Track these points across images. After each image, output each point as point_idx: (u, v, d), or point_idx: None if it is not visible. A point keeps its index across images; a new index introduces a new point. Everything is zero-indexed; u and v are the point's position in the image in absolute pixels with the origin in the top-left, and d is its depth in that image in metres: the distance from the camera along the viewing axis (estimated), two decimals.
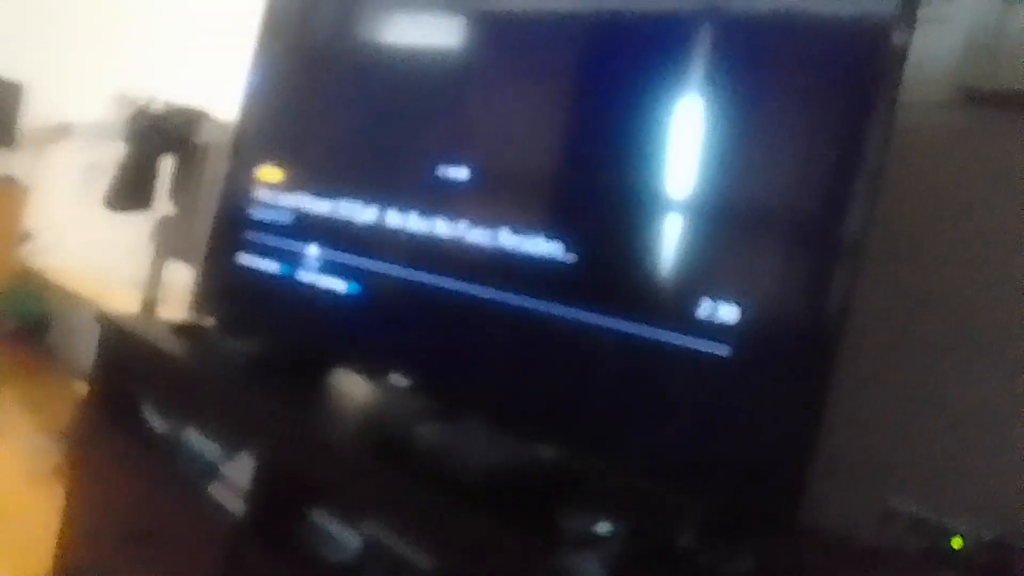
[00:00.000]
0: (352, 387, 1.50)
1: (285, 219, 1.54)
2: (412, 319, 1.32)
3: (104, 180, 3.02)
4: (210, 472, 1.42)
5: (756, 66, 1.03)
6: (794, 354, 0.94)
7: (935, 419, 1.09)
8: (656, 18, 1.15)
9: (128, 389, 1.69)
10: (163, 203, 2.87)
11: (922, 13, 0.93)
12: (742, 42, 1.05)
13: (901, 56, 0.93)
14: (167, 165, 2.84)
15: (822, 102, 0.98)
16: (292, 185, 1.55)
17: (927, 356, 1.10)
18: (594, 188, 1.14)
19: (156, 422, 1.61)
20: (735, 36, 1.06)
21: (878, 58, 0.93)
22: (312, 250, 1.48)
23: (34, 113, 4.01)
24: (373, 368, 1.41)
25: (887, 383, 1.13)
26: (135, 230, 3.26)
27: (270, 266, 1.55)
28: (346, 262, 1.42)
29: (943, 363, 1.09)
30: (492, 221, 1.22)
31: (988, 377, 1.05)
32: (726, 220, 1.01)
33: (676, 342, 1.01)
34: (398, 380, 1.32)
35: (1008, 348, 1.04)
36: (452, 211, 1.27)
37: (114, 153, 3.03)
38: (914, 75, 0.99)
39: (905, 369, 1.12)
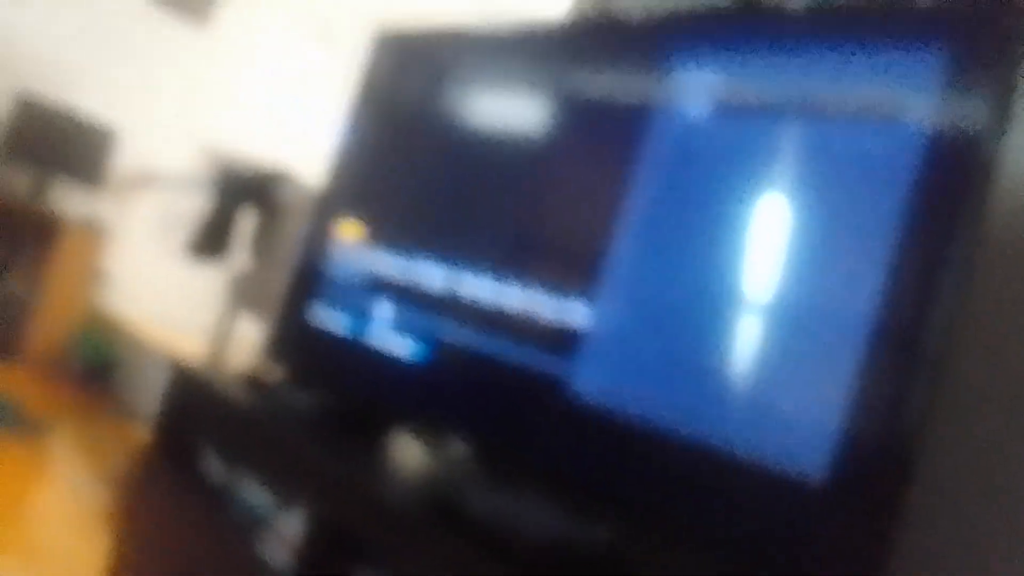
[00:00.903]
0: (411, 450, 1.50)
1: (361, 278, 1.56)
2: (477, 386, 1.31)
3: (184, 231, 3.12)
4: (262, 524, 1.42)
5: (841, 170, 1.02)
6: (877, 473, 0.91)
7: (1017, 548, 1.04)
8: (741, 114, 1.15)
9: (189, 436, 1.70)
10: (240, 257, 2.95)
11: (1016, 121, 0.92)
12: (829, 144, 1.05)
13: (991, 164, 0.91)
14: (248, 221, 2.93)
15: (909, 209, 0.96)
16: (371, 245, 1.58)
17: (1013, 479, 1.06)
18: (666, 284, 1.13)
19: (213, 470, 1.62)
20: (819, 138, 1.06)
21: (968, 165, 0.92)
22: (384, 310, 1.49)
23: (125, 159, 4.17)
24: (434, 432, 1.40)
25: (965, 509, 1.08)
26: (208, 282, 3.34)
27: (341, 323, 1.57)
28: (416, 324, 1.43)
29: None
30: (562, 297, 1.22)
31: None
32: (806, 331, 0.99)
33: (740, 450, 0.99)
34: (458, 446, 1.31)
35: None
36: (522, 279, 1.28)
37: (197, 205, 3.14)
38: (1006, 184, 0.97)
39: (986, 494, 1.07)
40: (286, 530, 1.36)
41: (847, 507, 0.91)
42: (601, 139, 1.31)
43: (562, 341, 1.21)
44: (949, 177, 0.93)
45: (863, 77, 1.04)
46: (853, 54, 1.05)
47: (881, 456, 0.89)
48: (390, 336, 1.46)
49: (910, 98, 0.99)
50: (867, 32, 1.05)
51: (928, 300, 0.91)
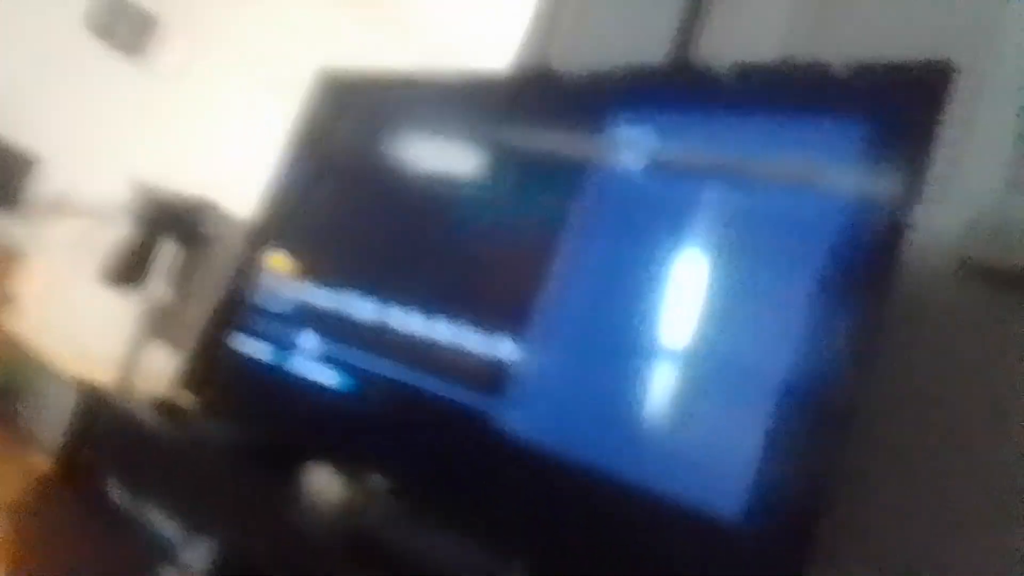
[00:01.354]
0: (329, 484, 1.48)
1: (287, 309, 1.55)
2: (401, 420, 1.31)
3: (99, 257, 3.05)
4: (167, 555, 1.38)
5: (760, 232, 1.07)
6: (790, 513, 0.94)
7: None
8: (672, 172, 1.20)
9: (95, 461, 1.65)
10: (157, 287, 2.88)
11: (928, 188, 0.97)
12: (752, 206, 1.10)
13: (903, 230, 0.96)
14: (168, 250, 2.88)
15: (824, 268, 1.01)
16: (300, 277, 1.57)
17: (920, 529, 1.10)
18: (591, 335, 1.16)
19: (119, 498, 1.57)
20: (746, 199, 1.11)
21: (883, 230, 0.98)
22: (309, 341, 1.48)
23: (48, 185, 4.07)
24: (354, 466, 1.39)
25: (877, 555, 1.12)
26: (120, 310, 3.25)
27: (263, 352, 1.55)
28: (341, 356, 1.42)
29: (937, 537, 1.09)
30: (492, 335, 1.24)
31: (981, 546, 1.05)
32: (726, 380, 1.03)
33: (663, 496, 1.02)
34: (378, 482, 1.30)
35: (1001, 522, 1.04)
36: (452, 317, 1.29)
37: (117, 234, 3.07)
38: (917, 249, 1.03)
39: (897, 541, 1.11)
40: (193, 562, 1.32)
41: (761, 545, 0.94)
42: (536, 188, 1.34)
43: (490, 379, 1.22)
44: (864, 241, 0.98)
45: (787, 143, 1.10)
46: (778, 120, 1.11)
47: (793, 498, 0.93)
48: (314, 367, 1.46)
49: (830, 165, 1.05)
50: (790, 98, 1.11)
51: (840, 355, 0.95)
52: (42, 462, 2.19)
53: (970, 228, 1.08)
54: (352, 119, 1.70)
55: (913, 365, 1.13)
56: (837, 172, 1.04)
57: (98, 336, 3.82)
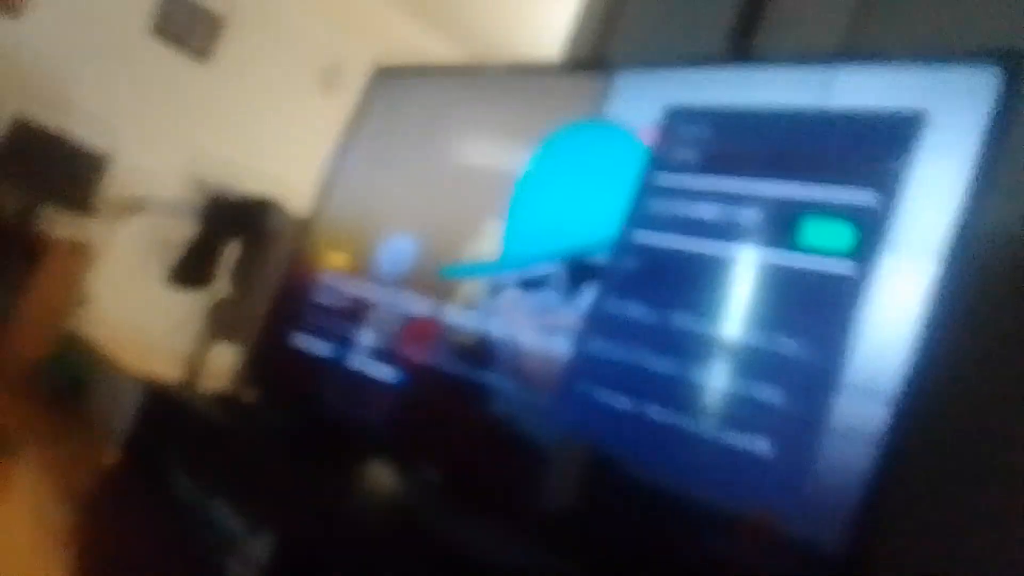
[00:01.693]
0: (383, 477, 1.49)
1: (345, 304, 1.57)
2: (453, 415, 1.32)
3: (168, 257, 3.11)
4: (231, 546, 1.40)
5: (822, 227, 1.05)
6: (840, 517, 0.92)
7: None
8: (728, 161, 1.18)
9: (160, 455, 1.69)
10: (221, 285, 2.94)
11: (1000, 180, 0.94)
12: (810, 195, 1.07)
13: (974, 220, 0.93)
14: (232, 249, 2.93)
15: None
16: (357, 273, 1.59)
17: (970, 535, 1.07)
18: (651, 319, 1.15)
19: (183, 490, 1.60)
20: (803, 197, 1.08)
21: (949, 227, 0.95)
22: (365, 336, 1.50)
23: (114, 184, 4.17)
24: (408, 459, 1.40)
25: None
26: (188, 308, 3.32)
27: (321, 348, 1.57)
28: (395, 350, 1.43)
29: (985, 543, 1.06)
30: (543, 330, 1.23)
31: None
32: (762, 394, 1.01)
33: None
34: (431, 474, 1.31)
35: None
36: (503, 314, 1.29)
37: (183, 232, 3.13)
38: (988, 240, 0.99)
39: (950, 547, 1.08)
40: (255, 552, 1.34)
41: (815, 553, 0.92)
42: (589, 184, 1.33)
43: (542, 373, 1.21)
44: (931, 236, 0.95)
45: (847, 135, 1.07)
46: (837, 111, 1.08)
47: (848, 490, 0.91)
48: (370, 362, 1.47)
49: (894, 158, 1.02)
50: (851, 88, 1.08)
51: (908, 351, 0.92)
52: (110, 454, 2.25)
53: None
54: (409, 112, 1.71)
55: (974, 360, 1.09)
56: (902, 164, 1.01)
57: (165, 334, 3.91)
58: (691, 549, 1.01)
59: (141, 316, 4.05)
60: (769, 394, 0.99)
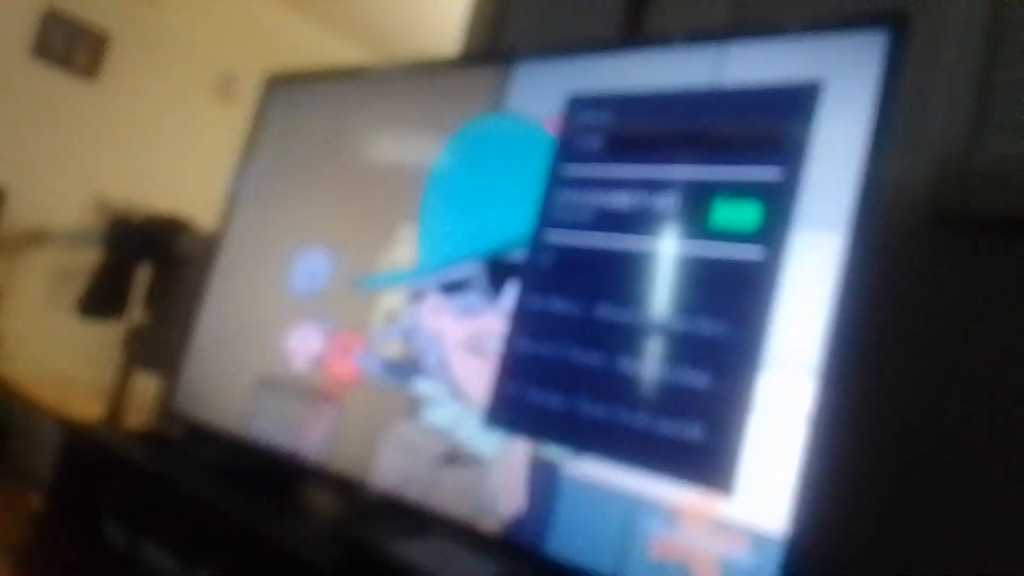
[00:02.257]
0: (321, 499, 1.46)
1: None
2: (388, 429, 1.29)
3: (76, 286, 3.00)
4: None
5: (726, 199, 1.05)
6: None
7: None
8: (630, 143, 1.17)
9: (87, 500, 1.62)
10: (135, 312, 2.84)
11: (894, 140, 0.95)
12: (714, 170, 1.07)
13: (874, 183, 0.94)
14: (143, 274, 2.83)
15: None
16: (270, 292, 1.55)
17: (921, 473, 1.09)
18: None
19: (114, 535, 1.55)
20: (705, 174, 1.08)
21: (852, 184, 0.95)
22: (290, 357, 1.46)
23: (12, 217, 4.01)
24: (341, 479, 1.37)
25: (880, 493, 1.11)
26: (104, 338, 3.22)
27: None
28: (321, 370, 1.40)
29: (937, 484, 1.08)
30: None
31: (976, 504, 1.04)
32: (703, 354, 1.01)
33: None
34: (370, 493, 1.28)
35: (1004, 463, 1.03)
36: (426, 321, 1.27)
37: (89, 260, 3.02)
38: (889, 203, 1.00)
39: (897, 483, 1.10)
40: None
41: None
42: (500, 172, 1.32)
43: (473, 380, 1.20)
44: (834, 199, 0.96)
45: (746, 108, 1.07)
46: (735, 85, 1.08)
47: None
48: (296, 382, 1.43)
49: (792, 125, 1.02)
50: (745, 61, 1.08)
51: (824, 316, 0.93)
52: (39, 501, 2.17)
53: (938, 176, 1.06)
54: (306, 119, 1.67)
55: (892, 318, 1.11)
56: (802, 132, 1.01)
57: (83, 367, 3.79)
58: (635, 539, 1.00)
59: (56, 351, 3.91)
60: (695, 379, 0.99)
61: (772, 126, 1.03)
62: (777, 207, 0.99)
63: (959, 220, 1.06)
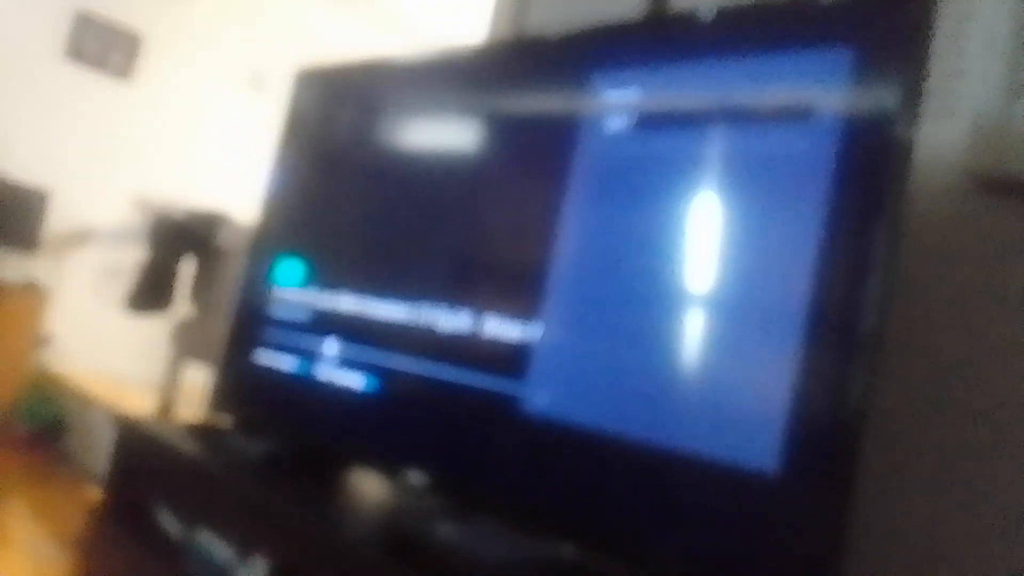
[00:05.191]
0: (369, 485, 1.48)
1: (303, 316, 1.55)
2: (430, 416, 1.31)
3: (123, 283, 3.06)
4: None
5: (765, 166, 1.04)
6: (819, 456, 0.92)
7: (964, 516, 1.06)
8: (661, 119, 1.17)
9: (142, 492, 1.67)
10: (182, 305, 2.90)
11: (928, 105, 0.94)
12: (750, 146, 1.07)
13: (908, 148, 0.93)
14: (187, 268, 2.89)
15: (832, 195, 0.98)
16: (310, 282, 1.57)
17: (955, 438, 1.08)
18: (615, 291, 1.14)
19: (170, 526, 1.59)
20: (743, 141, 1.08)
21: (885, 152, 0.95)
22: (329, 347, 1.48)
23: (57, 218, 4.09)
24: (390, 465, 1.39)
25: (911, 482, 1.10)
26: (153, 333, 3.28)
27: (287, 363, 1.55)
28: (363, 358, 1.42)
29: (971, 444, 1.07)
30: (508, 316, 1.22)
31: (1012, 466, 1.03)
32: (741, 322, 1.01)
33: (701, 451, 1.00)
34: (416, 478, 1.30)
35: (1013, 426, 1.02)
36: (469, 306, 1.28)
37: (134, 257, 3.08)
38: (923, 165, 0.99)
39: (929, 467, 1.10)
40: None
41: (801, 495, 0.92)
42: (531, 158, 1.32)
43: (512, 361, 1.21)
44: (869, 165, 0.95)
45: (778, 79, 1.06)
46: (765, 57, 1.08)
47: (830, 441, 0.91)
48: (339, 372, 1.45)
49: (825, 94, 1.01)
50: (775, 33, 1.08)
51: (857, 282, 0.93)
52: (95, 492, 2.23)
53: (974, 139, 1.04)
54: (339, 113, 1.69)
55: (926, 281, 1.10)
56: (833, 100, 1.00)
57: (134, 361, 3.87)
58: (689, 514, 1.01)
59: (106, 348, 4.00)
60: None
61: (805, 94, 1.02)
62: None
63: (994, 183, 1.04)
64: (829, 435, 0.91)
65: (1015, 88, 1.03)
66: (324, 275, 1.56)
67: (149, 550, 1.57)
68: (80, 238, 4.13)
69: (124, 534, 1.64)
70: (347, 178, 1.62)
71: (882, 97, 0.96)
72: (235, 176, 4.10)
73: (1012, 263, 1.06)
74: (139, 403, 2.92)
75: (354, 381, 1.42)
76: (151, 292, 2.91)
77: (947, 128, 1.06)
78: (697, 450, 1.00)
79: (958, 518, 1.06)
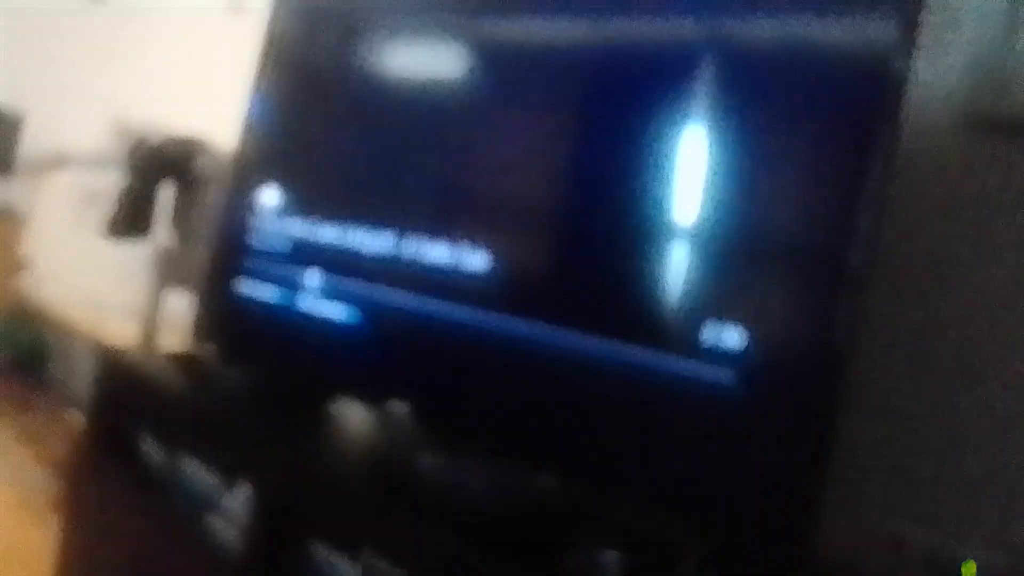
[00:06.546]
0: (351, 415, 1.49)
1: (284, 246, 1.53)
2: (412, 346, 1.31)
3: (101, 209, 3.02)
4: (208, 504, 1.40)
5: (756, 96, 1.03)
6: (800, 382, 0.93)
7: (945, 447, 1.07)
8: (656, 49, 1.15)
9: (125, 421, 1.67)
10: (162, 232, 2.86)
11: (923, 39, 0.92)
12: (741, 72, 1.05)
13: (902, 83, 0.92)
14: (166, 194, 2.84)
15: (824, 130, 0.97)
16: (291, 211, 1.55)
17: (936, 384, 1.09)
18: (602, 218, 1.13)
19: (153, 454, 1.59)
20: (735, 67, 1.06)
21: (879, 85, 0.93)
22: (311, 277, 1.47)
23: (32, 142, 4.01)
24: (373, 395, 1.39)
25: (895, 412, 1.11)
26: (132, 259, 3.25)
27: (269, 294, 1.54)
28: (345, 289, 1.41)
29: (952, 390, 1.08)
30: (494, 248, 1.21)
31: (998, 404, 1.04)
32: (731, 247, 1.00)
33: (678, 369, 1.00)
34: (398, 407, 1.30)
35: (1018, 374, 1.03)
36: (453, 237, 1.27)
37: (111, 182, 3.03)
38: (917, 102, 0.98)
39: (913, 398, 1.11)
40: (233, 509, 1.35)
41: (771, 412, 0.93)
42: (519, 84, 1.29)
43: (491, 290, 1.20)
44: (864, 97, 0.94)
45: (768, 8, 1.04)
46: None
47: (810, 360, 0.92)
48: (321, 304, 1.44)
49: (822, 24, 0.99)
50: None
51: (849, 213, 0.92)
52: (79, 422, 2.24)
53: (970, 76, 1.03)
54: (320, 33, 1.64)
55: (919, 218, 1.09)
56: (830, 30, 0.98)
57: (114, 288, 3.84)
58: (668, 434, 1.02)
59: (86, 274, 3.95)
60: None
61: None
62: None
63: (992, 122, 1.03)
64: (816, 362, 0.92)
65: (1014, 25, 1.01)
66: (306, 204, 1.53)
67: (134, 476, 1.58)
68: (56, 162, 4.05)
69: (109, 460, 1.64)
70: (329, 103, 1.59)
71: (879, 28, 0.94)
72: (214, 100, 4.01)
73: (1008, 202, 1.05)
74: (120, 331, 2.90)
75: (337, 312, 1.41)
76: (130, 218, 2.87)
77: (944, 64, 1.04)
78: (677, 374, 1.00)
79: (941, 445, 1.08)
